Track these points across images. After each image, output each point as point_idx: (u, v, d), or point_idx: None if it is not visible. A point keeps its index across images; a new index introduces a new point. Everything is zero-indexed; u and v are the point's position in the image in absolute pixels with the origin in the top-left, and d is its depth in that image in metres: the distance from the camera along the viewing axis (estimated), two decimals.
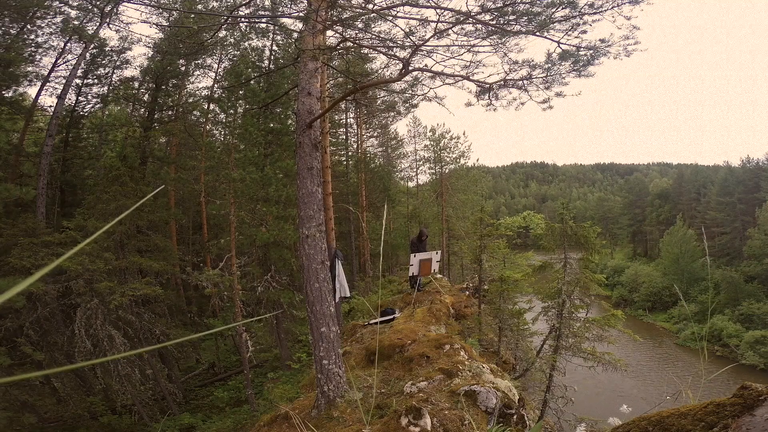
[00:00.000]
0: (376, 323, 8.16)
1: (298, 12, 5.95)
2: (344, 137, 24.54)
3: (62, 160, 16.27)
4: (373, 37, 5.91)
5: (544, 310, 9.86)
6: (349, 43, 5.81)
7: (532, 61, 4.48)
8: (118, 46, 17.43)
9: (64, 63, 15.22)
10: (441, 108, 6.06)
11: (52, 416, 12.23)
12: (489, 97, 5.02)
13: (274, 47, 14.25)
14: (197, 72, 19.44)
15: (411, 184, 30.30)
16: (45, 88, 14.79)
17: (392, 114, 24.41)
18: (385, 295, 13.99)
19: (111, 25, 15.61)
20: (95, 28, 14.90)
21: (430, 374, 4.74)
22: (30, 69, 14.17)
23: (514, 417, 4.16)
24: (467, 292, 11.86)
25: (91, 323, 11.65)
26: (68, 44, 14.96)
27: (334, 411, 4.44)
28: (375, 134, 27.98)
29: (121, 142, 17.46)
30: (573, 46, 4.22)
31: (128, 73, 18.09)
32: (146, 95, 18.33)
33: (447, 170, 25.90)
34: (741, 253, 41.71)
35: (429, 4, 4.32)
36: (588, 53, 4.22)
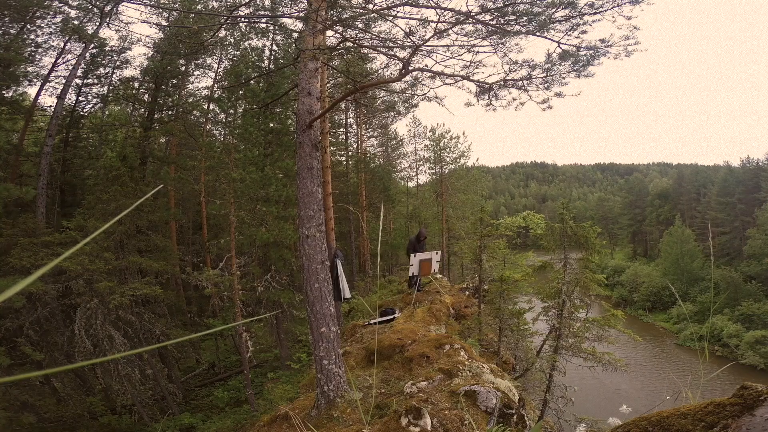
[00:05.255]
0: (376, 323, 8.16)
1: (298, 12, 5.95)
2: (344, 137, 24.55)
3: (62, 160, 16.26)
4: (373, 37, 5.91)
5: (544, 310, 9.84)
6: (349, 43, 5.81)
7: (532, 61, 4.49)
8: (118, 46, 17.44)
9: (64, 63, 15.23)
10: (441, 108, 6.06)
11: (52, 416, 12.22)
12: (489, 97, 5.02)
13: (274, 47, 14.25)
14: (197, 72, 19.44)
15: (411, 184, 30.34)
16: (45, 88, 14.79)
17: (392, 114, 24.44)
18: (385, 295, 13.99)
19: (111, 25, 15.61)
20: (95, 28, 14.90)
21: (430, 374, 4.74)
22: (30, 69, 14.17)
23: (514, 417, 4.16)
24: (467, 292, 11.85)
25: (91, 323, 11.65)
26: (68, 44, 14.96)
27: (334, 411, 4.44)
28: (375, 134, 27.99)
29: (121, 142, 17.45)
30: (573, 46, 4.23)
31: (128, 73, 18.10)
32: (146, 95, 18.32)
33: (447, 170, 25.89)
34: (741, 253, 41.70)
35: (429, 4, 4.32)
36: (588, 53, 4.23)
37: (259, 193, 12.41)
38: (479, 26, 4.38)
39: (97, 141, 18.40)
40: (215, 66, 19.28)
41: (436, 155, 25.69)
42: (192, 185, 19.18)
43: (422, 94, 5.94)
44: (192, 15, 9.77)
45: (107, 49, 16.90)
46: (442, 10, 4.21)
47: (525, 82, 4.72)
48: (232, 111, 14.36)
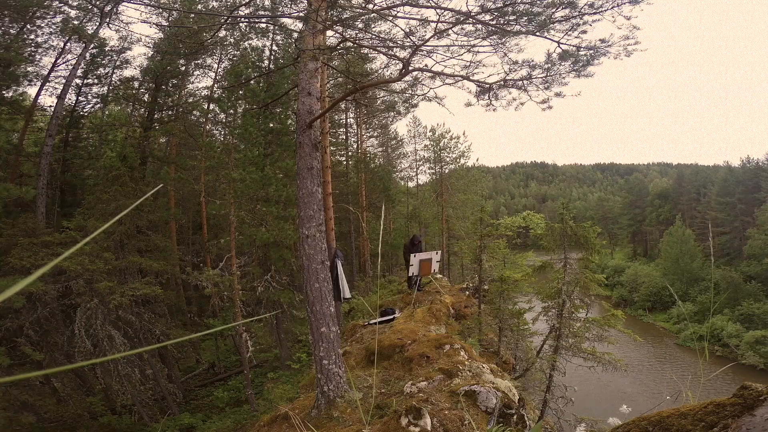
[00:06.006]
0: (376, 323, 8.16)
1: (298, 12, 5.95)
2: (344, 137, 24.54)
3: (62, 160, 16.26)
4: (373, 37, 5.91)
5: (544, 310, 9.85)
6: (349, 43, 5.81)
7: (532, 61, 4.49)
8: (118, 46, 17.44)
9: (64, 63, 15.23)
10: (441, 108, 6.06)
11: (52, 416, 12.22)
12: (489, 97, 5.03)
13: (274, 47, 14.25)
14: (197, 72, 19.44)
15: (411, 184, 30.33)
16: (45, 88, 14.78)
17: (392, 114, 24.42)
18: (385, 295, 13.99)
19: (111, 25, 15.61)
20: (95, 28, 14.90)
21: (430, 374, 4.74)
22: (30, 69, 14.16)
23: (514, 417, 4.16)
24: (467, 292, 11.86)
25: (91, 323, 11.65)
26: (68, 44, 14.96)
27: (334, 411, 4.44)
28: (375, 134, 27.98)
29: (121, 142, 17.45)
30: (573, 46, 4.23)
31: (128, 73, 18.10)
32: (146, 95, 18.32)
33: (447, 170, 25.90)
34: (741, 253, 41.71)
35: (429, 4, 4.32)
36: (588, 53, 4.23)
37: (259, 193, 12.41)
38: (479, 26, 4.38)
39: (97, 141, 18.39)
40: (215, 66, 19.30)
41: (436, 155, 25.69)
42: (192, 185, 19.18)
43: (422, 94, 5.94)
44: (192, 15, 9.77)
45: (107, 49, 16.90)
46: (442, 10, 4.21)
47: (525, 82, 4.72)
48: (232, 111, 14.36)
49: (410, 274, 9.18)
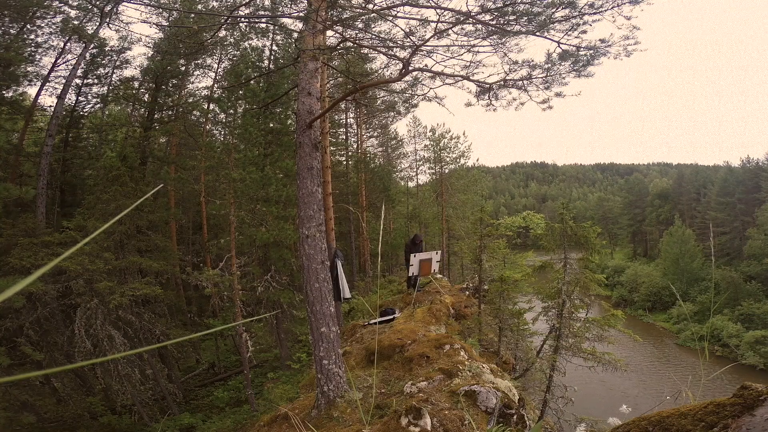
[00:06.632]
0: (376, 323, 8.16)
1: (298, 12, 5.94)
2: (344, 137, 24.54)
3: (62, 160, 16.27)
4: (373, 37, 5.91)
5: (544, 310, 9.86)
6: (349, 43, 5.81)
7: (532, 61, 4.49)
8: (118, 46, 17.45)
9: (64, 63, 15.24)
10: (441, 108, 6.06)
11: (52, 416, 12.22)
12: (489, 97, 5.03)
13: (274, 47, 14.25)
14: (197, 72, 19.45)
15: (411, 184, 30.32)
16: (45, 88, 14.79)
17: (392, 114, 24.42)
18: (385, 295, 14.00)
19: (111, 25, 15.60)
20: (95, 28, 14.91)
21: (430, 374, 4.74)
22: (30, 69, 14.17)
23: (514, 417, 4.16)
24: (467, 292, 11.85)
25: (91, 323, 11.65)
26: (68, 44, 14.97)
27: (334, 411, 4.44)
28: (375, 134, 27.97)
29: (121, 142, 17.47)
30: (573, 46, 4.23)
31: (128, 73, 18.12)
32: (146, 95, 18.32)
33: (447, 170, 25.90)
34: (741, 253, 41.69)
35: (429, 4, 4.32)
36: (588, 53, 4.23)
37: (259, 193, 12.41)
38: (479, 26, 4.38)
39: (97, 141, 18.41)
40: (215, 66, 19.30)
41: (436, 155, 25.69)
42: (192, 185, 19.18)
43: (422, 94, 5.94)
44: (192, 15, 9.77)
45: (107, 49, 16.91)
46: (442, 10, 4.22)
47: (525, 82, 4.72)
48: (232, 111, 14.35)
49: (410, 274, 9.19)
